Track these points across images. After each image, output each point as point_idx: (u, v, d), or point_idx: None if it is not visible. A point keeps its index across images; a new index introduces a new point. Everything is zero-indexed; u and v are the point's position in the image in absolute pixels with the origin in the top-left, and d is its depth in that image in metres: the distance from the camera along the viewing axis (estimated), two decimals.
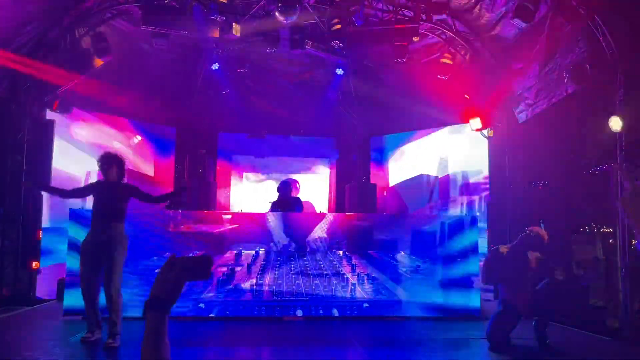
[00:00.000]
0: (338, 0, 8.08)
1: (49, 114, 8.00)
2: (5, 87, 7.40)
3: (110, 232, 5.04)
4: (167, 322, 1.39)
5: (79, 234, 6.15)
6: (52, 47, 7.61)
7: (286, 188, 8.05)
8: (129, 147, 9.70)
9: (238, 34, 7.89)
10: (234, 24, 7.74)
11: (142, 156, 9.91)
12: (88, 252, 5.03)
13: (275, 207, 7.77)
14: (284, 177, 9.53)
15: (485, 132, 8.89)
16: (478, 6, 7.59)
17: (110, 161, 5.20)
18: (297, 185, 8.21)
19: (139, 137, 10.01)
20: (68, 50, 7.71)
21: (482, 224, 8.46)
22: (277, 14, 7.56)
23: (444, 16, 8.21)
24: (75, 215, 6.34)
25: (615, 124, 5.94)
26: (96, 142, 9.07)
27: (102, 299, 5.11)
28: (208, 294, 6.50)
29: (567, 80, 6.59)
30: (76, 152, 8.76)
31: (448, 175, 9.97)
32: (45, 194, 7.57)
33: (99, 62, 7.94)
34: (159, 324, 1.37)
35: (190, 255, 1.46)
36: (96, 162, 5.26)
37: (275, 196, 8.03)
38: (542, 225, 7.57)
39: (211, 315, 6.45)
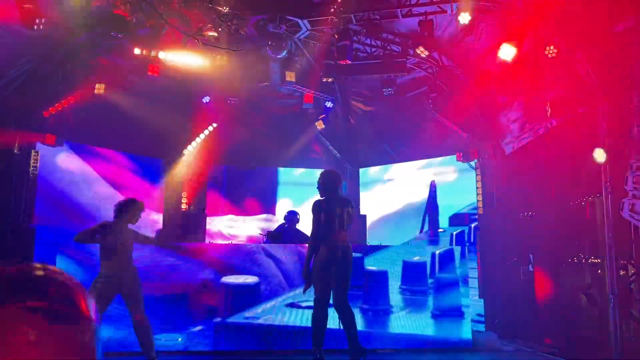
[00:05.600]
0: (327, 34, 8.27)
1: (38, 146, 8.01)
2: None
3: (132, 269, 5.31)
4: None
5: (69, 267, 6.08)
6: (44, 80, 7.66)
7: (293, 219, 8.06)
8: (115, 179, 9.67)
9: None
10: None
11: (130, 188, 9.86)
12: (110, 289, 5.17)
13: (273, 236, 7.74)
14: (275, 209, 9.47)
15: (473, 163, 9.03)
16: (464, 41, 7.81)
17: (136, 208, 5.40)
18: (298, 217, 8.32)
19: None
20: (59, 83, 7.76)
21: (472, 255, 8.50)
22: (267, 49, 7.73)
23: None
24: (64, 249, 6.26)
25: (600, 155, 6.07)
26: (84, 173, 9.05)
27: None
28: (198, 327, 6.41)
29: (551, 114, 6.76)
30: (65, 183, 8.72)
31: (437, 205, 10.05)
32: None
33: (89, 93, 8.03)
34: None
35: None
36: (119, 206, 5.31)
37: (273, 226, 8.02)
38: (532, 257, 7.65)
39: (202, 349, 6.35)
